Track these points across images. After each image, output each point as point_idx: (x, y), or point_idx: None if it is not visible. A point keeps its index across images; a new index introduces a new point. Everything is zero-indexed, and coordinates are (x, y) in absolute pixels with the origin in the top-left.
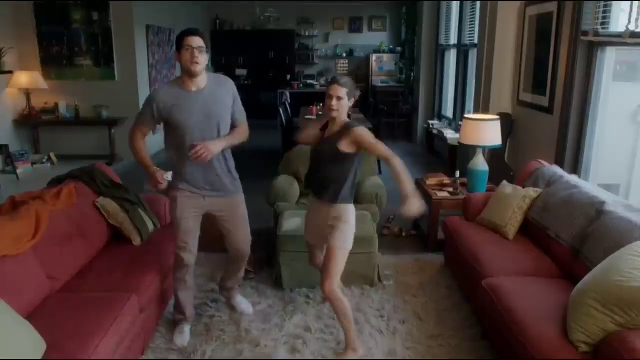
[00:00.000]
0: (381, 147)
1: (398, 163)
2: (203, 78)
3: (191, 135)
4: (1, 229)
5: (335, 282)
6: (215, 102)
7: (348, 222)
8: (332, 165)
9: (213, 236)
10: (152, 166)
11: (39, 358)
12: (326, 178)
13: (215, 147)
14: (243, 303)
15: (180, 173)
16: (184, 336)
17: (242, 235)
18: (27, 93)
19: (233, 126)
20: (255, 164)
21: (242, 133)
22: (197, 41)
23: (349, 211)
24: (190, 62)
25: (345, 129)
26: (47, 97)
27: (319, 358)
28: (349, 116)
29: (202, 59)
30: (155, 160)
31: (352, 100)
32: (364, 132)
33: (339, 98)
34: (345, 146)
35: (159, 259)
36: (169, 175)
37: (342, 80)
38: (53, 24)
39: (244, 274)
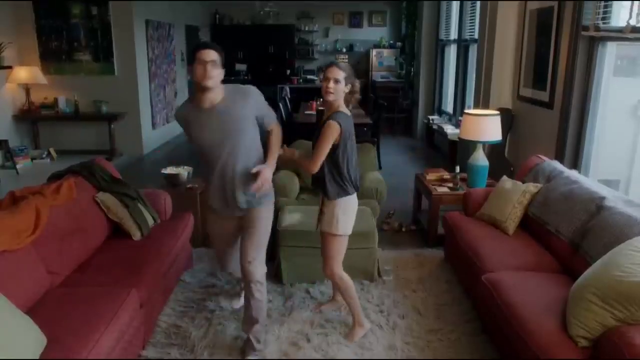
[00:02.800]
0: (316, 153)
1: (307, 169)
2: (219, 92)
3: (209, 152)
4: (1, 224)
5: (334, 266)
6: (231, 117)
7: (335, 209)
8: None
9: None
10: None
11: (40, 352)
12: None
13: (269, 173)
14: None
15: (207, 189)
16: (240, 298)
17: (248, 247)
18: (26, 88)
19: (264, 128)
20: None
21: (278, 137)
22: (210, 55)
23: (341, 202)
24: (203, 77)
25: (327, 118)
26: (47, 92)
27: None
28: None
29: (215, 74)
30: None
31: (349, 87)
32: (328, 127)
33: (336, 81)
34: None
35: (159, 255)
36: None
37: (341, 64)
38: (52, 19)
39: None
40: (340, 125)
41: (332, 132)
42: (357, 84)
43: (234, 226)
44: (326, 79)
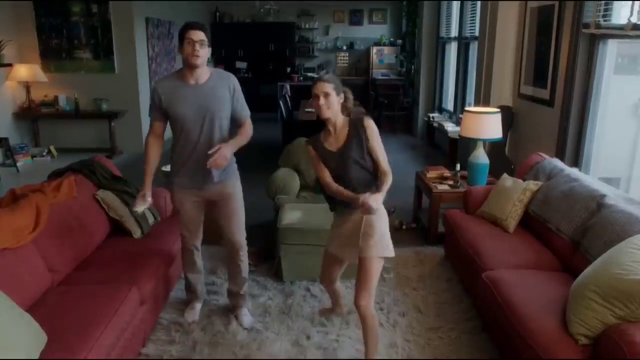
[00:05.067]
0: (382, 158)
1: (390, 181)
2: (204, 72)
3: (188, 128)
4: (2, 221)
5: (372, 296)
6: (213, 97)
7: (382, 225)
8: (360, 171)
9: (213, 229)
10: (147, 187)
11: (41, 350)
12: (357, 188)
13: (228, 152)
14: (246, 316)
15: (176, 165)
16: (194, 312)
17: (234, 225)
18: (27, 86)
19: (237, 123)
20: (255, 157)
21: (247, 133)
22: (198, 35)
23: (383, 216)
24: (191, 55)
25: (356, 123)
26: (47, 90)
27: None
28: (349, 112)
29: (203, 53)
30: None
31: (342, 95)
32: (371, 127)
33: (326, 95)
34: (368, 141)
35: (159, 252)
36: (148, 202)
37: (326, 77)
38: (52, 17)
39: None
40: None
41: (376, 128)
42: (349, 93)
43: (202, 202)
44: (316, 97)
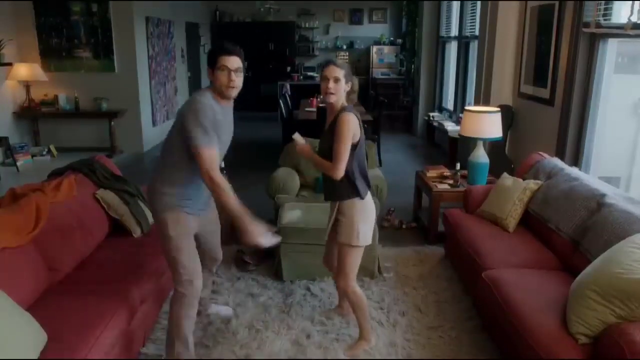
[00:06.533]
0: (339, 155)
1: (329, 171)
2: None
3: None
4: (1, 221)
5: (350, 279)
6: (232, 120)
7: (355, 217)
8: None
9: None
10: (250, 218)
11: (41, 349)
12: (329, 177)
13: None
14: (220, 309)
15: (183, 191)
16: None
17: (218, 240)
18: (26, 85)
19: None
20: (255, 157)
21: None
22: (235, 62)
23: (360, 209)
24: (227, 86)
25: (337, 116)
26: (47, 89)
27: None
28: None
29: (239, 82)
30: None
31: (350, 85)
32: (345, 122)
33: (336, 79)
34: (334, 133)
35: (159, 251)
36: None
37: (339, 62)
38: (52, 16)
39: (245, 265)
40: (357, 117)
41: (351, 127)
42: (356, 82)
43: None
44: (325, 79)
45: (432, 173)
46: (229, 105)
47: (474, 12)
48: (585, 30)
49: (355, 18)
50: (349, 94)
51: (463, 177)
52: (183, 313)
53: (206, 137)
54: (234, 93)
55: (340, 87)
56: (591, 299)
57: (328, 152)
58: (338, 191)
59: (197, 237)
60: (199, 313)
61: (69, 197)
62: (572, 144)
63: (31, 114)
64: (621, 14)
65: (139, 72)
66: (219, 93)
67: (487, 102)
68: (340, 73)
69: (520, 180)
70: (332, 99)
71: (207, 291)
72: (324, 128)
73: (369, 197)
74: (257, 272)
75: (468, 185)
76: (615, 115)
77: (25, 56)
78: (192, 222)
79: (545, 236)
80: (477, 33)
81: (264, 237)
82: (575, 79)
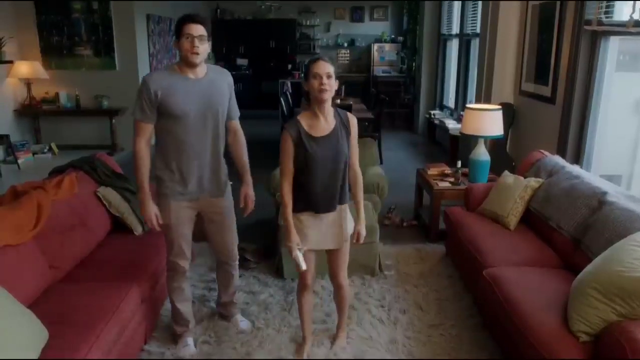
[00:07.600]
0: (357, 156)
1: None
2: (202, 68)
3: (188, 125)
4: (3, 218)
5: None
6: (216, 90)
7: (349, 215)
8: (341, 166)
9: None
10: (149, 198)
11: (42, 347)
12: (336, 183)
13: (252, 192)
14: (243, 322)
15: (172, 173)
16: (189, 348)
17: (233, 237)
18: (27, 83)
19: (226, 122)
20: (256, 154)
21: (243, 142)
22: (198, 29)
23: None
24: (190, 52)
25: (340, 114)
26: (48, 87)
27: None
28: (349, 107)
29: (203, 49)
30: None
31: (337, 83)
32: (355, 126)
33: (329, 76)
34: (350, 135)
35: (161, 249)
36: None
37: (325, 58)
38: (53, 14)
39: (246, 263)
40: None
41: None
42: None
43: (194, 214)
44: (317, 76)
45: (433, 171)
46: (198, 77)
47: (475, 10)
48: (586, 28)
49: (356, 16)
50: (337, 91)
51: (464, 175)
52: (168, 286)
53: (138, 111)
54: (197, 59)
55: (332, 83)
56: (592, 297)
57: (336, 156)
58: (343, 193)
59: (203, 229)
60: (223, 317)
61: (70, 194)
62: (573, 141)
63: (32, 112)
64: (623, 12)
65: (140, 70)
66: (185, 62)
67: (488, 100)
68: (331, 69)
69: (522, 178)
70: (328, 95)
71: (227, 295)
72: (306, 132)
73: None
74: (258, 269)
75: (469, 183)
76: (616, 113)
77: (26, 54)
78: (183, 208)
79: (546, 234)
80: (478, 31)
81: (153, 217)
82: (577, 77)
